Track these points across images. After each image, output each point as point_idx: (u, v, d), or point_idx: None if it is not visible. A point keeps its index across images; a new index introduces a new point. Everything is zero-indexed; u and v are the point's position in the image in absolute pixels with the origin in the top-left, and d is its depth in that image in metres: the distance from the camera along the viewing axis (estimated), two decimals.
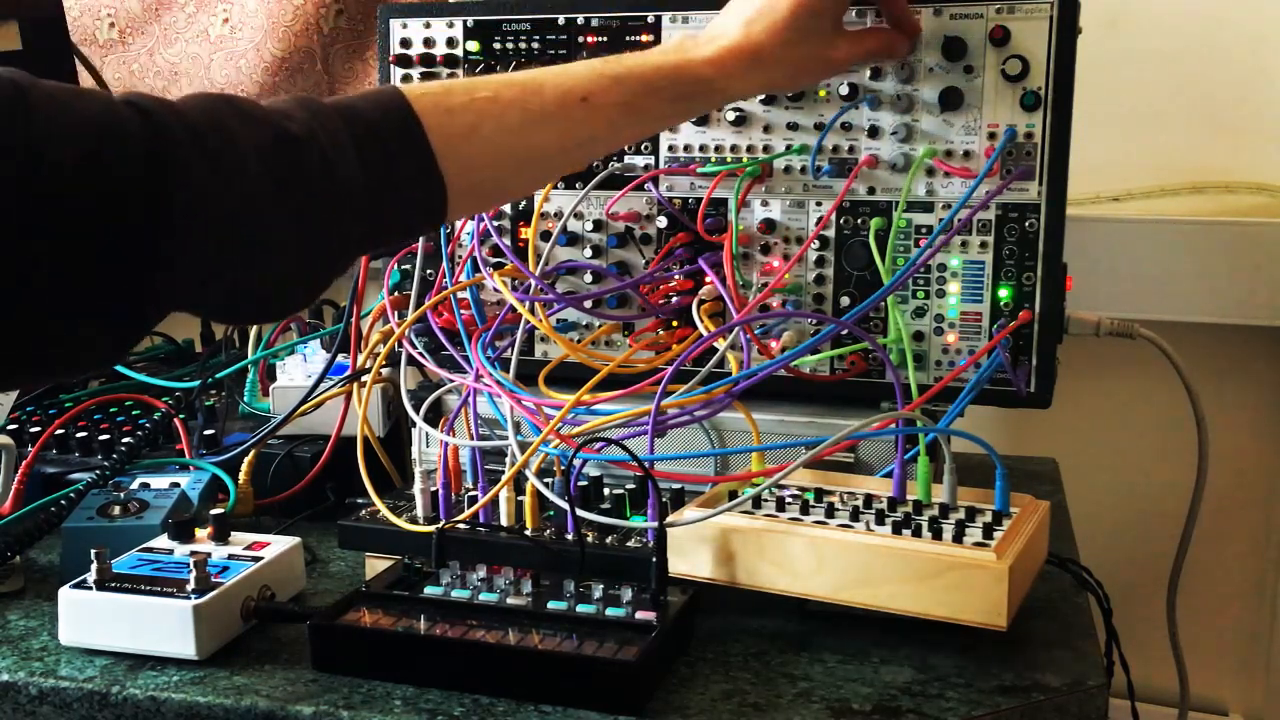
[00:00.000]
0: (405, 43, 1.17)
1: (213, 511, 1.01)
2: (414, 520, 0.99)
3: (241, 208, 0.69)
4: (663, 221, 1.11)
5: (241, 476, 1.16)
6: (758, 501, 0.94)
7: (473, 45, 1.15)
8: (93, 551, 0.92)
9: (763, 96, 1.06)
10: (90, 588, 0.90)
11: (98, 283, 0.65)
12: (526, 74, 0.86)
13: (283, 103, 0.75)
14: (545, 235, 1.14)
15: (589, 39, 1.12)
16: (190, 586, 0.89)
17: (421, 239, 1.13)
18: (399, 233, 0.84)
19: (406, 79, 1.18)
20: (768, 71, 0.94)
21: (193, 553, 0.95)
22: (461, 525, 0.98)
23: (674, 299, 1.10)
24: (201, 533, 1.00)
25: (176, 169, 0.66)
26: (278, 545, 0.98)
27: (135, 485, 1.09)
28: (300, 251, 0.74)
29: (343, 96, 0.80)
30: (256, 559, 0.95)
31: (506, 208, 1.16)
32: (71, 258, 0.63)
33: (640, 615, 0.86)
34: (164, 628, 0.88)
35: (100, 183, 0.63)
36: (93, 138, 0.64)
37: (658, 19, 1.10)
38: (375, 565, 1.00)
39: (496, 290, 1.07)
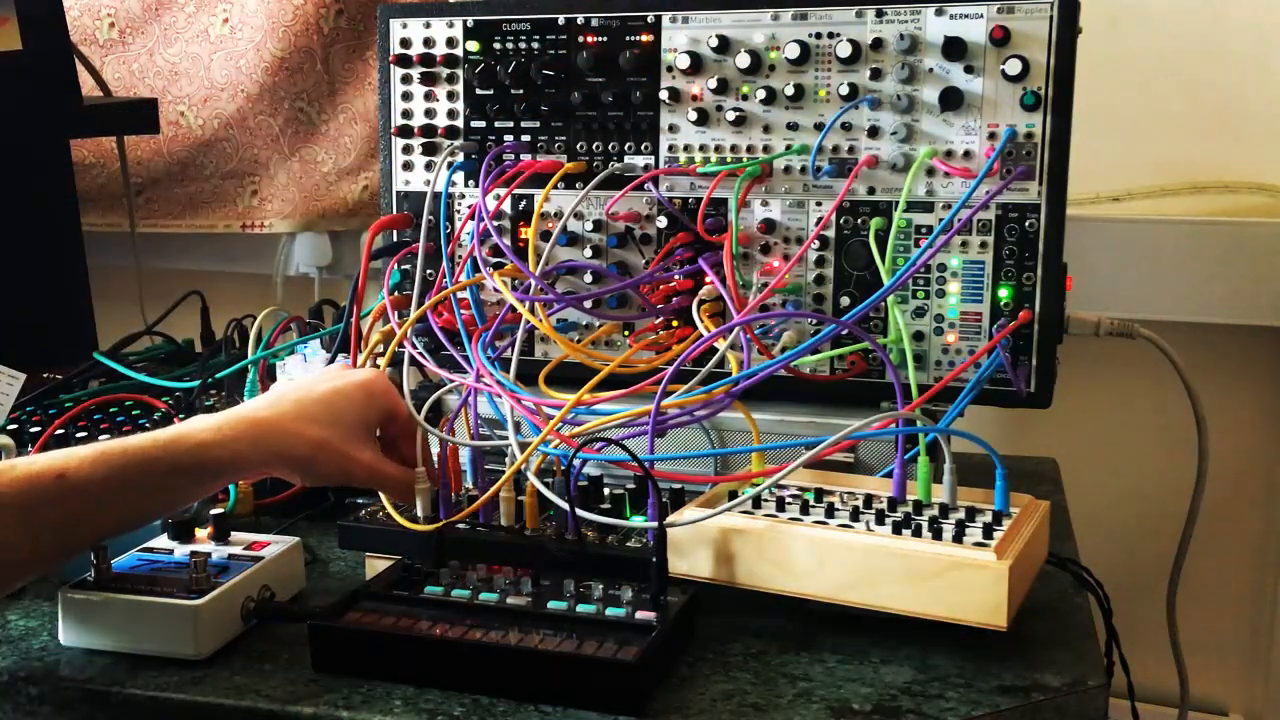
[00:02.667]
0: (405, 43, 1.17)
1: (213, 511, 1.01)
2: (414, 520, 0.99)
3: None
4: (663, 221, 1.11)
5: None
6: (758, 501, 0.94)
7: (473, 45, 1.15)
8: (92, 551, 0.92)
9: (764, 97, 1.06)
10: (90, 588, 0.90)
11: None
12: (20, 458, 0.82)
13: None
14: (545, 235, 1.14)
15: (589, 39, 1.12)
16: (190, 586, 0.89)
17: (422, 239, 1.13)
18: None
19: (406, 79, 1.18)
20: (281, 443, 0.90)
21: (193, 553, 0.95)
22: (461, 525, 0.98)
23: (674, 299, 1.10)
24: (201, 533, 1.00)
25: None
26: (278, 545, 0.98)
27: None
28: None
29: None
30: (256, 559, 0.95)
31: (506, 206, 1.16)
32: None
33: (640, 615, 0.86)
34: (164, 628, 0.88)
35: None
36: None
37: (658, 19, 1.10)
38: (375, 565, 1.00)
39: (496, 290, 1.07)
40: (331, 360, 1.17)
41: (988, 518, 0.91)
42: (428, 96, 1.18)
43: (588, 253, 1.14)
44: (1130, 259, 1.41)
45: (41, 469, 0.81)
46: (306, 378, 0.98)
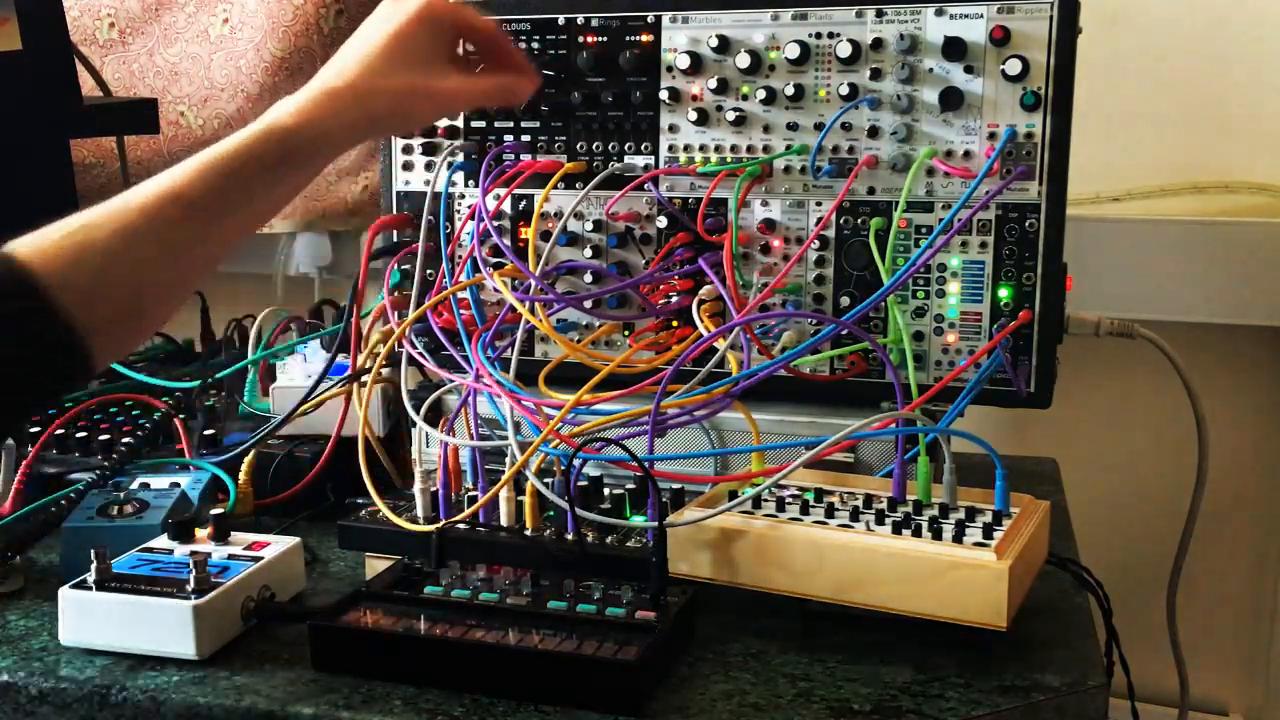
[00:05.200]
0: None
1: (213, 511, 1.01)
2: (414, 520, 0.99)
3: None
4: (663, 221, 1.11)
5: (241, 477, 1.16)
6: (758, 501, 0.94)
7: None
8: (93, 551, 0.92)
9: (764, 97, 1.06)
10: (90, 588, 0.90)
11: None
12: (126, 192, 0.81)
13: None
14: (545, 235, 1.14)
15: (589, 39, 1.11)
16: (190, 586, 0.89)
17: (421, 239, 1.13)
18: (43, 388, 0.78)
19: None
20: (362, 106, 0.87)
21: (193, 553, 0.95)
22: (461, 525, 0.98)
23: (674, 299, 1.10)
24: (201, 533, 1.00)
25: None
26: (278, 545, 0.98)
27: (135, 485, 1.09)
28: None
29: None
30: (256, 559, 0.95)
31: (506, 206, 1.16)
32: None
33: (640, 615, 0.86)
34: (164, 628, 0.88)
35: None
36: None
37: (658, 19, 1.10)
38: (375, 565, 1.00)
39: (496, 290, 1.07)
40: (332, 360, 1.17)
41: (988, 518, 0.91)
42: None
43: (588, 253, 1.14)
44: (1130, 259, 1.41)
45: (158, 194, 0.80)
46: (359, 32, 0.93)
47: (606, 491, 1.01)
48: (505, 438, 0.98)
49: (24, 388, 0.76)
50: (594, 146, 1.13)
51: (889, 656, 0.88)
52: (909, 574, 0.85)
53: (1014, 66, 1.00)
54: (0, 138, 1.45)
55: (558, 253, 1.14)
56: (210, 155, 0.83)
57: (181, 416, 1.24)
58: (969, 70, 1.02)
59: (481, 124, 1.16)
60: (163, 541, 0.99)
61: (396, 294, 1.17)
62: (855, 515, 0.91)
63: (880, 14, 1.03)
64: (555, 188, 1.13)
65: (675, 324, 1.11)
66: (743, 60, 1.06)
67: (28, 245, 0.77)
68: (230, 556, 0.96)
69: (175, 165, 0.82)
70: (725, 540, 0.90)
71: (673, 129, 1.11)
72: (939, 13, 1.02)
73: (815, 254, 1.08)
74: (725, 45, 1.08)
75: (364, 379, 1.12)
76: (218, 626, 0.90)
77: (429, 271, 1.16)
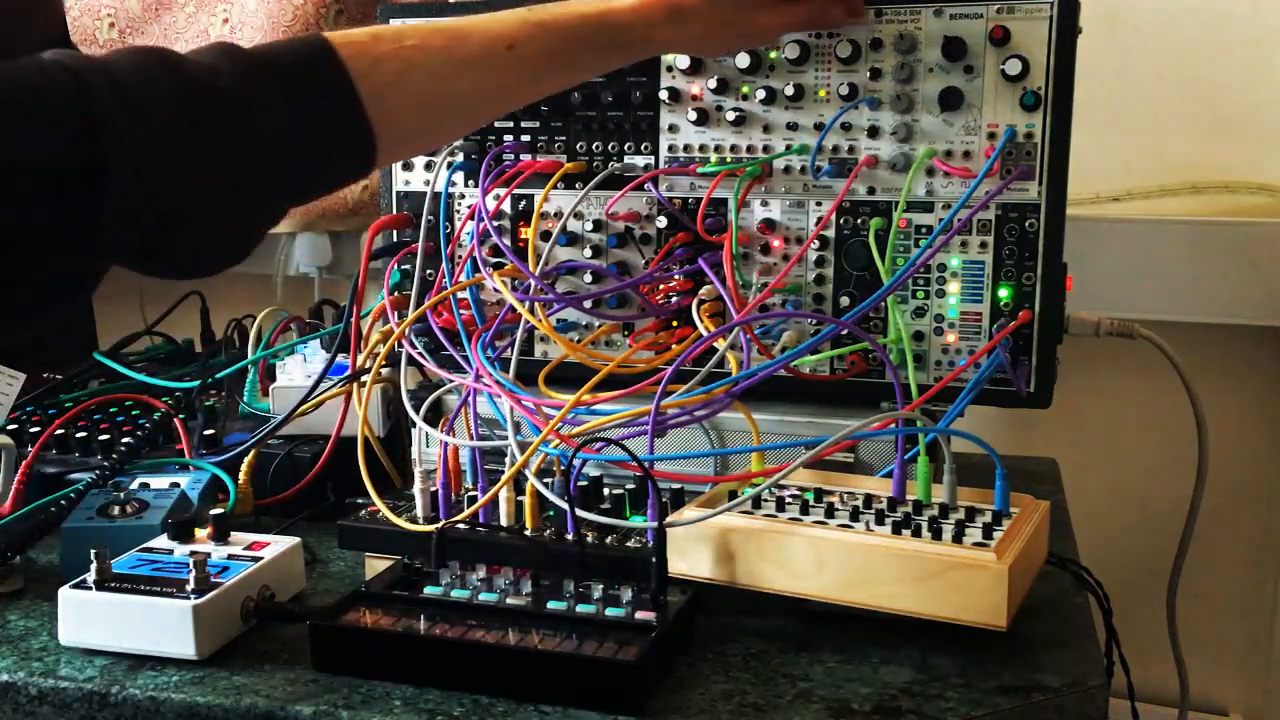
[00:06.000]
0: None
1: (212, 511, 1.01)
2: (414, 520, 0.99)
3: (159, 151, 0.71)
4: (663, 221, 1.11)
5: (241, 476, 1.16)
6: (758, 501, 0.94)
7: None
8: (92, 551, 0.92)
9: (764, 97, 1.06)
10: (90, 588, 0.90)
11: (40, 240, 0.68)
12: (454, 21, 0.90)
13: (207, 52, 0.77)
14: (545, 235, 1.14)
15: None
16: (190, 586, 0.89)
17: (421, 239, 1.13)
18: (328, 181, 0.85)
19: None
20: (689, 25, 0.97)
21: (192, 553, 0.95)
22: (461, 525, 0.98)
23: (674, 299, 1.10)
24: (201, 533, 1.00)
25: (103, 124, 0.68)
26: (278, 545, 0.98)
27: (135, 485, 1.09)
28: (220, 197, 0.75)
29: (267, 44, 0.81)
30: (256, 559, 0.95)
31: (506, 206, 1.16)
32: (13, 220, 0.66)
33: (640, 615, 0.86)
34: (164, 628, 0.88)
35: (36, 148, 0.67)
36: (27, 107, 0.67)
37: None
38: (375, 565, 1.00)
39: (496, 290, 1.07)
40: (332, 360, 1.17)
41: (988, 518, 0.91)
42: None
43: (588, 253, 1.14)
44: (1130, 259, 1.41)
45: (494, 37, 0.89)
46: None
47: (606, 491, 1.01)
48: (505, 438, 0.98)
49: (314, 167, 0.81)
50: (594, 146, 1.13)
51: (889, 656, 0.88)
52: (909, 574, 0.85)
53: (1014, 66, 1.00)
54: None
55: (558, 253, 1.14)
56: (543, 18, 0.91)
57: (181, 416, 1.24)
58: (968, 70, 1.02)
59: None
60: (163, 541, 0.99)
61: (396, 294, 1.17)
62: (855, 515, 0.91)
63: (880, 14, 1.03)
64: (555, 188, 1.13)
65: (675, 324, 1.11)
66: (742, 60, 1.06)
67: (352, 43, 0.82)
68: (230, 556, 0.96)
69: (497, 13, 0.90)
70: (725, 540, 0.90)
71: (673, 129, 1.11)
72: (938, 13, 1.02)
73: (815, 254, 1.08)
74: None
75: (364, 379, 1.12)
76: (218, 626, 0.90)
77: (429, 271, 1.16)
